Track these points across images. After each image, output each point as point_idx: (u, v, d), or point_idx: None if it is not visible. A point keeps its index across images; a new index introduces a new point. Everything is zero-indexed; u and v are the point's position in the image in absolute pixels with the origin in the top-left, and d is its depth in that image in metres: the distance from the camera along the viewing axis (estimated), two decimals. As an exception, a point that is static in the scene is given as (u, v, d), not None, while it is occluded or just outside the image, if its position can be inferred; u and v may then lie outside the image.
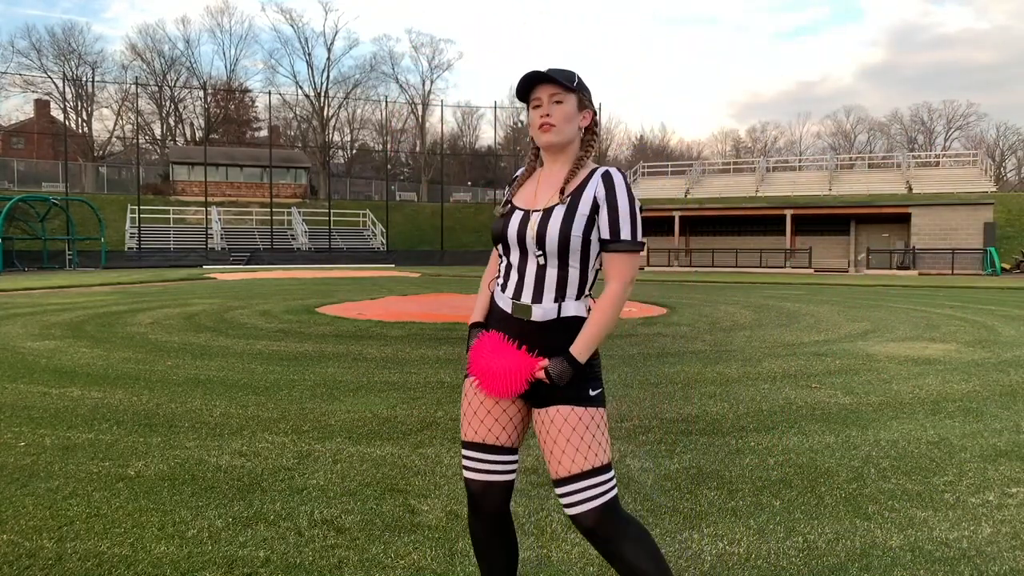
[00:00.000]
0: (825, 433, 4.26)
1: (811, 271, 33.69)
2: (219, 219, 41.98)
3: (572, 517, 1.78)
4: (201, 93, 56.55)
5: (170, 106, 62.35)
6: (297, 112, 64.06)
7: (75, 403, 4.97)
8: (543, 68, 1.84)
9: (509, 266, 1.85)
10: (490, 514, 1.88)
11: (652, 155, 70.85)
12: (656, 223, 40.49)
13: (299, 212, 44.21)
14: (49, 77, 54.73)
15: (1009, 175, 70.13)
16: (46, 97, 55.46)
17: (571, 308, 1.78)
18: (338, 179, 58.27)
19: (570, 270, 1.77)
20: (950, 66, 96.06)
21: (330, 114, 62.20)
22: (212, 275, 26.16)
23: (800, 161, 55.82)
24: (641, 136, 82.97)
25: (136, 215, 38.92)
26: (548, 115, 1.80)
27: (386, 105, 52.68)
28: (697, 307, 13.00)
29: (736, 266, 36.71)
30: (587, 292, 1.82)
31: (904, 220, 35.04)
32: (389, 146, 60.69)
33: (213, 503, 3.07)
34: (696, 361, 6.89)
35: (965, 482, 3.39)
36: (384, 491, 3.24)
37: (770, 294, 16.85)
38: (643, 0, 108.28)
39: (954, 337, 8.70)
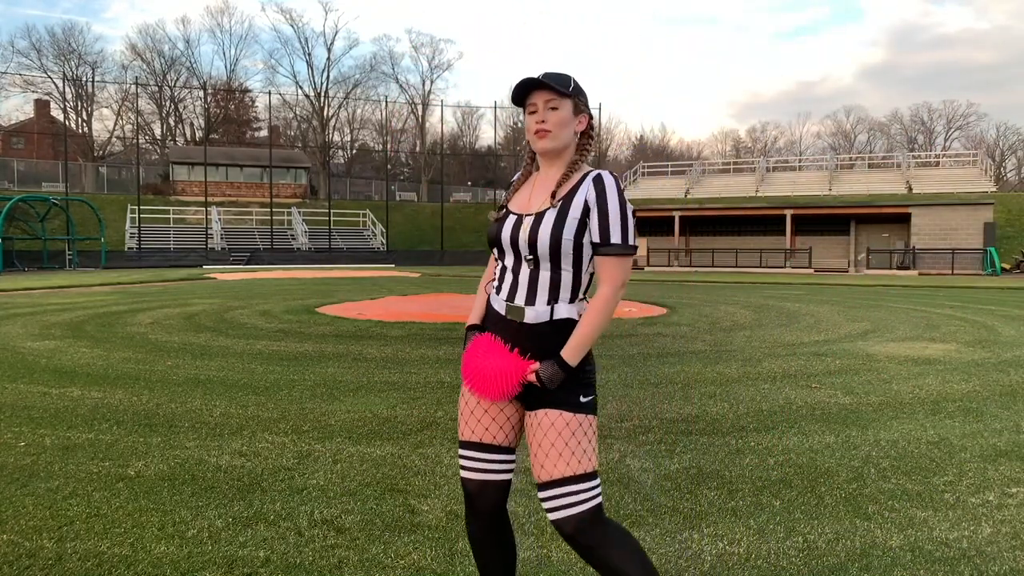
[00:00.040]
0: (825, 433, 4.26)
1: (811, 271, 33.70)
2: (219, 219, 41.98)
3: (553, 522, 1.77)
4: (201, 93, 56.59)
5: (170, 106, 62.37)
6: (297, 112, 64.14)
7: (75, 403, 4.97)
8: (539, 72, 1.84)
9: (504, 269, 1.87)
10: (487, 514, 1.88)
11: (652, 155, 70.86)
12: (656, 223, 40.52)
13: (299, 212, 44.21)
14: (49, 77, 54.80)
15: (1009, 175, 70.14)
16: (46, 97, 55.51)
17: (564, 311, 1.78)
18: (338, 179, 58.27)
19: (563, 273, 1.78)
20: (950, 66, 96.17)
21: (330, 114, 62.22)
22: (212, 275, 26.16)
23: (800, 161, 55.85)
24: (641, 136, 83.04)
25: (136, 215, 38.92)
26: (543, 121, 1.80)
27: (386, 105, 52.70)
28: (697, 307, 13.00)
29: (736, 266, 36.71)
30: (581, 296, 1.82)
31: (904, 220, 35.05)
32: (389, 146, 60.70)
33: (213, 503, 3.07)
34: (696, 361, 6.89)
35: (965, 482, 3.39)
36: (384, 491, 3.24)
37: (770, 294, 16.85)
38: (643, 0, 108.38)
39: (954, 337, 8.70)
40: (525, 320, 1.79)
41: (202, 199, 41.83)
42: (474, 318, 1.95)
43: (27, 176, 44.81)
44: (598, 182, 1.76)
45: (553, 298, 1.78)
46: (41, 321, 10.06)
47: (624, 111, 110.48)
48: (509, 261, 1.85)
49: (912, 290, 18.98)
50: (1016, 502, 3.13)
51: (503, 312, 1.83)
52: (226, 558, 2.54)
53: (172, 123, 63.70)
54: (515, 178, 1.97)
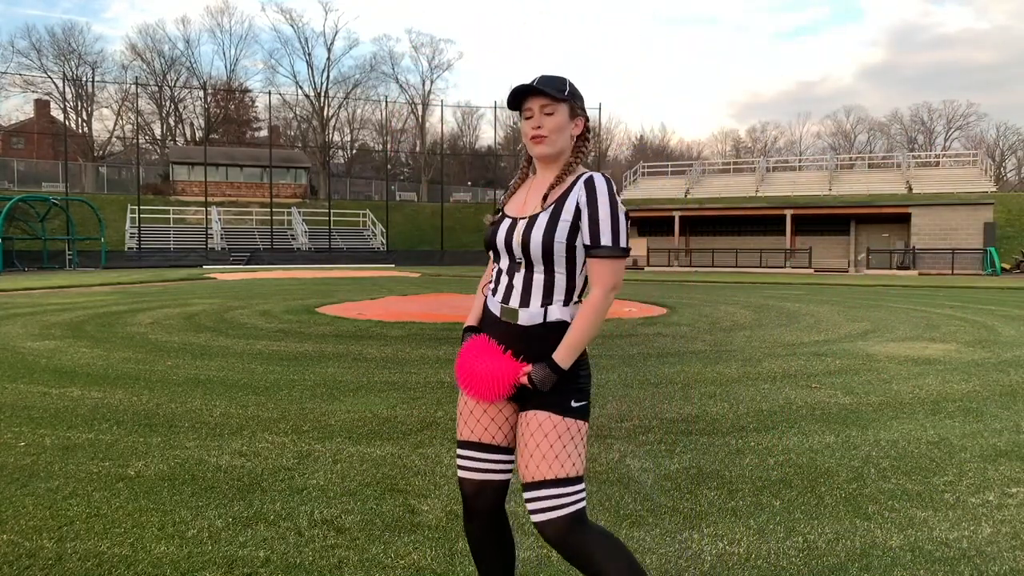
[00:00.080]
0: (825, 433, 4.26)
1: (811, 271, 33.70)
2: (219, 219, 41.98)
3: (534, 524, 1.77)
4: (201, 93, 56.58)
5: (170, 106, 62.37)
6: (297, 112, 64.13)
7: (75, 403, 4.97)
8: (536, 75, 1.85)
9: (500, 271, 1.88)
10: (485, 514, 1.89)
11: (652, 155, 70.88)
12: (656, 223, 40.53)
13: (299, 212, 44.21)
14: (49, 77, 54.79)
15: (1009, 175, 70.14)
16: (46, 97, 55.50)
17: (557, 313, 1.78)
18: (338, 179, 58.27)
19: (556, 276, 1.78)
20: (950, 66, 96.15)
21: (330, 114, 62.21)
22: (212, 275, 26.17)
23: (800, 161, 55.83)
24: (641, 136, 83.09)
25: (136, 215, 38.92)
26: (539, 127, 1.80)
27: (386, 105, 52.69)
28: (697, 307, 13.00)
29: (736, 266, 36.72)
30: (576, 298, 1.82)
31: (904, 220, 35.06)
32: (389, 146, 60.70)
33: (213, 503, 3.07)
34: (696, 361, 6.89)
35: (965, 482, 3.39)
36: (384, 491, 3.24)
37: (770, 294, 16.85)
38: (643, 0, 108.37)
39: (954, 337, 8.70)
40: (519, 322, 1.79)
41: (202, 199, 41.83)
42: (471, 319, 1.97)
43: (27, 176, 44.81)
44: (589, 184, 1.76)
45: (547, 300, 1.78)
46: (41, 321, 10.06)
47: (624, 111, 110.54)
48: (504, 264, 1.86)
49: (912, 290, 18.98)
50: (1016, 502, 3.13)
51: (498, 314, 1.84)
52: (226, 558, 2.54)
53: (172, 123, 63.73)
54: (513, 181, 1.98)
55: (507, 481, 1.90)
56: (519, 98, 1.82)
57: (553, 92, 1.78)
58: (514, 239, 1.79)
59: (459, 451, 1.92)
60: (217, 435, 4.16)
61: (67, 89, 55.60)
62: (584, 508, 1.76)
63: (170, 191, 46.74)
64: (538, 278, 1.79)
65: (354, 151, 67.83)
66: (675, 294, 17.06)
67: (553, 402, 1.76)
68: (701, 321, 10.52)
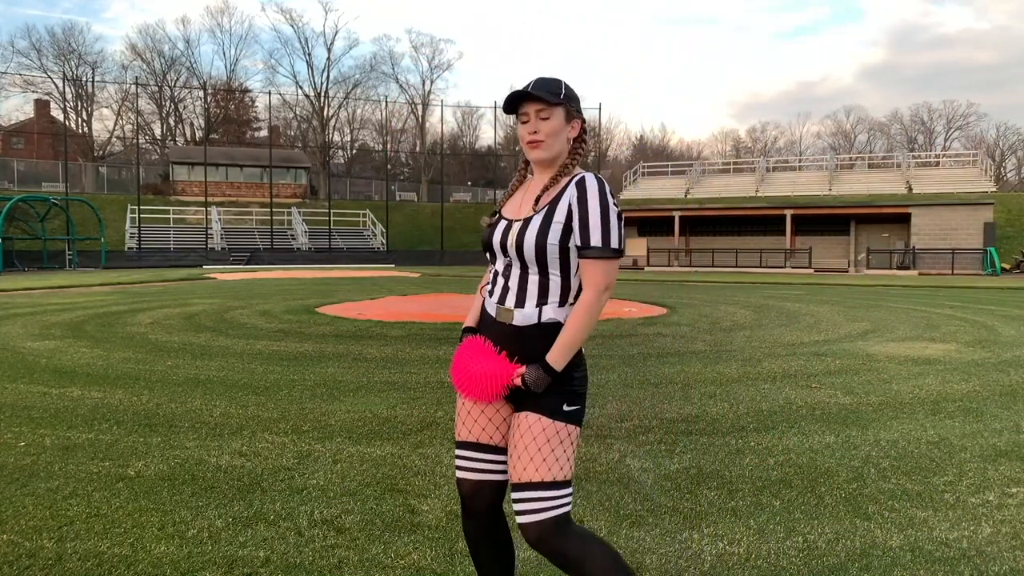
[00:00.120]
0: (825, 433, 4.26)
1: (811, 271, 33.70)
2: (219, 219, 41.98)
3: (518, 524, 1.77)
4: (201, 93, 56.59)
5: (170, 106, 62.37)
6: (297, 112, 64.13)
7: (75, 403, 4.97)
8: (531, 79, 1.85)
9: (496, 272, 1.89)
10: (483, 514, 1.89)
11: (652, 155, 70.87)
12: (656, 223, 40.53)
13: (299, 212, 44.21)
14: (49, 77, 54.79)
15: (1009, 175, 70.14)
16: (46, 97, 55.50)
17: (551, 313, 1.78)
18: (338, 179, 58.27)
19: (551, 277, 1.78)
20: (950, 66, 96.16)
21: (330, 114, 62.21)
22: (212, 275, 26.17)
23: (800, 161, 55.83)
24: (641, 136, 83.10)
25: (136, 215, 38.92)
26: (536, 132, 1.81)
27: (386, 105, 52.70)
28: (697, 307, 13.00)
29: (736, 266, 36.72)
30: (571, 300, 1.82)
31: (904, 220, 35.05)
32: (389, 146, 60.70)
33: (213, 503, 3.07)
34: (696, 361, 6.89)
35: (965, 482, 3.39)
36: (384, 491, 3.24)
37: (770, 294, 16.85)
38: (643, 0, 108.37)
39: (954, 337, 8.70)
40: (514, 323, 1.80)
41: (202, 199, 41.83)
42: (470, 320, 1.98)
43: (27, 176, 44.81)
44: (580, 185, 1.76)
45: (542, 301, 1.79)
46: (41, 321, 10.06)
47: (624, 111, 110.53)
48: (501, 265, 1.87)
49: (912, 290, 18.98)
50: (1016, 502, 3.13)
51: (494, 315, 1.85)
52: (226, 558, 2.54)
53: (172, 123, 63.73)
54: (511, 183, 1.99)
55: (505, 481, 1.90)
56: (515, 103, 1.83)
57: (548, 96, 1.78)
58: (509, 241, 1.80)
59: (457, 451, 1.93)
60: (217, 435, 4.16)
61: (67, 89, 55.67)
62: (568, 512, 1.77)
63: (170, 191, 46.74)
64: (533, 279, 1.79)
65: (354, 151, 67.84)
66: (675, 294, 17.06)
67: (545, 405, 1.75)
68: (701, 321, 10.52)
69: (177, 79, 61.96)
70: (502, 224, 1.86)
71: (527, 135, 1.82)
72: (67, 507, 3.01)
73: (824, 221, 37.72)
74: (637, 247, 40.75)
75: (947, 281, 24.47)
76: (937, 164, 47.85)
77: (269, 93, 50.59)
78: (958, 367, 6.54)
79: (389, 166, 57.40)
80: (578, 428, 1.80)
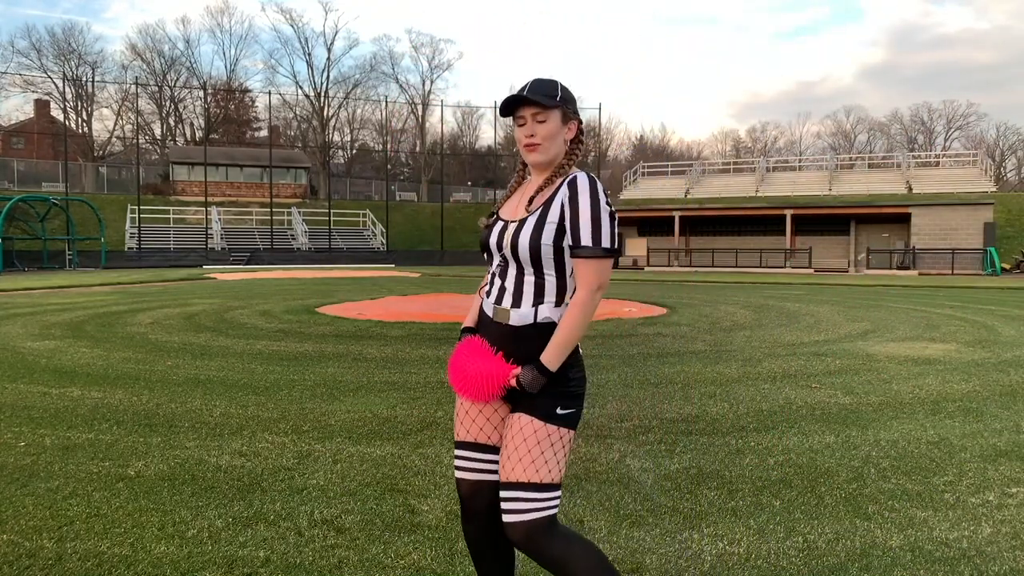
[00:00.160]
0: (825, 433, 4.26)
1: (811, 271, 33.70)
2: (219, 219, 41.99)
3: (504, 523, 1.78)
4: (201, 93, 56.59)
5: (170, 106, 62.37)
6: (297, 112, 64.13)
7: (75, 403, 4.97)
8: (528, 80, 1.86)
9: (493, 273, 1.90)
10: (482, 514, 1.89)
11: (652, 155, 70.87)
12: (656, 223, 40.53)
13: (299, 212, 44.22)
14: (49, 77, 54.79)
15: (1009, 175, 70.14)
16: (46, 97, 55.50)
17: (547, 313, 1.79)
18: (338, 179, 58.27)
19: (546, 278, 1.79)
20: (950, 66, 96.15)
21: (330, 114, 62.21)
22: (212, 275, 26.17)
23: (800, 161, 55.81)
24: (641, 136, 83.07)
25: (136, 215, 38.93)
26: (533, 135, 1.81)
27: (386, 105, 52.70)
28: (697, 307, 13.00)
29: (736, 266, 36.72)
30: (567, 300, 1.82)
31: (904, 220, 35.05)
32: (389, 146, 60.70)
33: (213, 503, 3.07)
34: (696, 361, 6.89)
35: (965, 482, 3.39)
36: (384, 491, 3.24)
37: (770, 294, 16.85)
38: (643, 0, 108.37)
39: (954, 337, 8.70)
40: (510, 323, 1.80)
41: (202, 199, 41.84)
42: (469, 320, 1.98)
43: (27, 176, 44.81)
44: (571, 185, 1.76)
45: (538, 301, 1.79)
46: (41, 321, 10.06)
47: (624, 111, 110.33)
48: (498, 266, 1.87)
49: (912, 290, 18.98)
50: (1016, 502, 3.13)
51: (491, 315, 1.86)
52: (226, 558, 2.54)
53: (172, 123, 63.73)
54: (509, 184, 2.00)
55: None
56: (511, 106, 1.83)
57: (544, 100, 1.79)
58: (504, 242, 1.80)
59: (456, 451, 1.93)
60: (217, 435, 4.16)
61: (67, 89, 55.67)
62: (554, 516, 1.76)
63: (170, 191, 46.75)
64: (529, 280, 1.80)
65: (354, 151, 67.84)
66: (675, 294, 17.06)
67: (539, 406, 1.75)
68: (701, 321, 10.52)
69: (177, 79, 62.01)
70: (499, 225, 1.87)
71: (524, 138, 1.83)
72: (67, 507, 3.01)
73: (824, 221, 37.72)
74: (637, 247, 40.76)
75: (947, 281, 24.47)
76: (937, 164, 47.84)
77: (269, 93, 50.65)
78: (958, 367, 6.54)
79: (389, 166, 57.40)
80: (572, 431, 1.79)
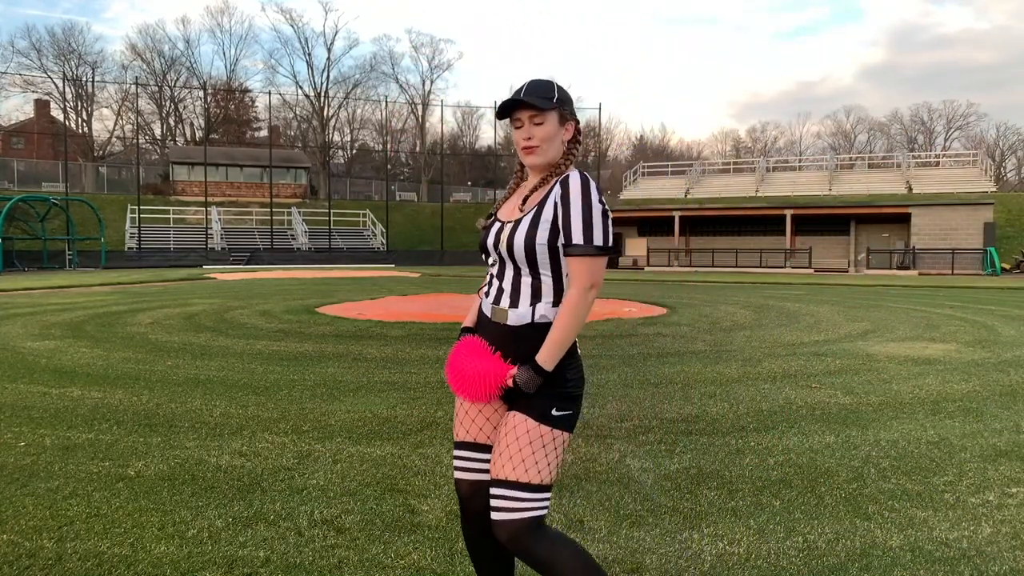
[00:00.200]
0: (825, 433, 4.26)
1: (811, 271, 33.70)
2: (219, 219, 41.98)
3: (491, 521, 1.78)
4: (201, 93, 56.59)
5: (170, 106, 62.37)
6: (297, 112, 64.13)
7: (75, 403, 4.97)
8: (525, 81, 1.86)
9: (492, 274, 1.90)
10: (481, 515, 1.89)
11: (652, 155, 70.86)
12: (656, 223, 40.52)
13: (299, 212, 44.22)
14: (49, 77, 54.80)
15: (1009, 175, 70.15)
16: (46, 97, 55.50)
17: (545, 313, 1.79)
18: (338, 179, 58.27)
19: (543, 278, 1.79)
20: (950, 66, 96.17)
21: (330, 114, 62.21)
22: (212, 275, 26.17)
23: (800, 161, 55.82)
24: (641, 136, 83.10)
25: (136, 215, 38.93)
26: (530, 138, 1.81)
27: (386, 105, 52.69)
28: (697, 307, 13.00)
29: (736, 266, 36.72)
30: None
31: (904, 220, 35.05)
32: (389, 146, 60.69)
33: (213, 503, 3.07)
34: (696, 361, 6.89)
35: (965, 482, 3.39)
36: (384, 491, 3.24)
37: (770, 294, 16.85)
38: (643, 0, 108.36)
39: (954, 337, 8.70)
40: (508, 322, 1.80)
41: (202, 199, 41.83)
42: (468, 321, 1.98)
43: (27, 176, 44.81)
44: (564, 183, 1.76)
45: (535, 301, 1.79)
46: (41, 321, 10.06)
47: (624, 111, 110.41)
48: (495, 266, 1.88)
49: (912, 290, 18.98)
50: (1016, 502, 3.13)
51: (489, 315, 1.86)
52: (226, 558, 2.54)
53: (172, 123, 63.73)
54: (508, 185, 2.00)
55: None
56: (508, 109, 1.83)
57: (540, 102, 1.78)
58: (501, 242, 1.81)
59: (455, 452, 1.93)
60: (217, 435, 4.16)
61: (67, 89, 55.66)
62: (542, 517, 1.76)
63: (170, 191, 46.74)
64: (526, 280, 1.80)
65: (354, 151, 67.84)
66: (675, 294, 17.06)
67: (534, 407, 1.75)
68: (701, 321, 10.52)
69: (177, 79, 62.01)
70: (496, 226, 1.87)
71: (522, 141, 1.83)
72: (67, 507, 3.01)
73: (824, 221, 37.72)
74: (637, 247, 40.77)
75: (947, 281, 24.47)
76: (937, 164, 47.84)
77: (269, 93, 50.65)
78: (958, 367, 6.54)
79: (389, 166, 57.39)
80: (566, 433, 1.78)
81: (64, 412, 4.70)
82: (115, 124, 58.64)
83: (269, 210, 42.74)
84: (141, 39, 73.79)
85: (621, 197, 46.83)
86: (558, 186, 1.77)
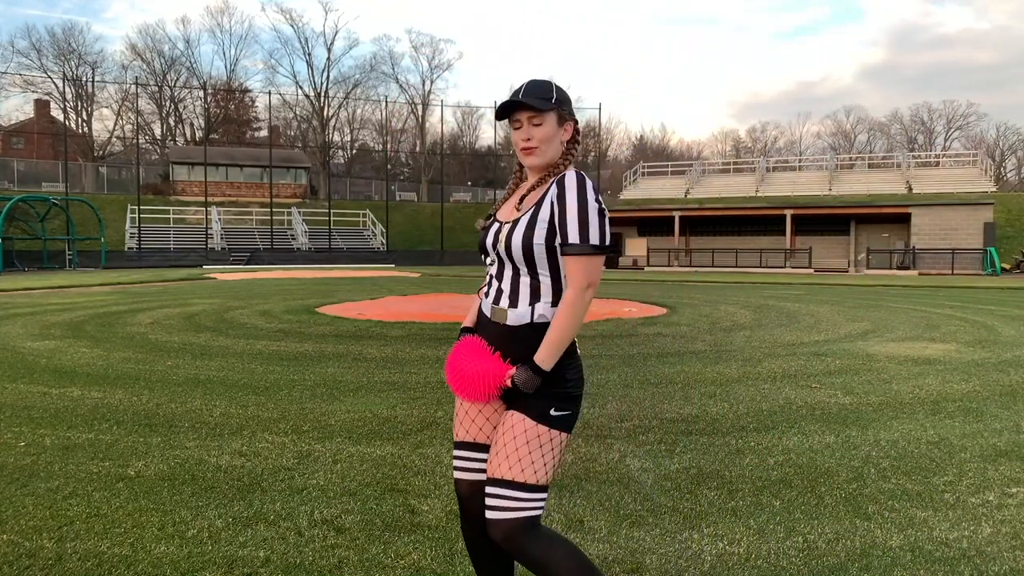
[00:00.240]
0: (825, 433, 4.26)
1: (811, 271, 33.70)
2: (219, 219, 41.98)
3: (486, 520, 1.77)
4: (201, 93, 56.60)
5: (170, 106, 62.37)
6: (297, 112, 64.13)
7: (75, 403, 4.97)
8: (524, 81, 1.85)
9: (491, 274, 1.90)
10: (480, 515, 1.88)
11: (652, 155, 70.86)
12: (656, 223, 40.53)
13: (299, 212, 44.22)
14: (49, 77, 54.79)
15: (1009, 175, 70.14)
16: (46, 97, 55.50)
17: (544, 313, 1.79)
18: (338, 179, 58.27)
19: (541, 278, 1.79)
20: (950, 66, 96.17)
21: (330, 114, 62.20)
22: (212, 275, 26.17)
23: (800, 161, 55.81)
24: (641, 136, 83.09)
25: (136, 215, 38.93)
26: (529, 139, 1.81)
27: (386, 105, 52.69)
28: (697, 307, 13.00)
29: (736, 266, 36.72)
30: None
31: (904, 220, 35.05)
32: (389, 146, 60.69)
33: (213, 503, 3.07)
34: (696, 361, 6.89)
35: (965, 482, 3.39)
36: (384, 491, 3.24)
37: (770, 294, 16.85)
38: (643, 0, 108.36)
39: (954, 337, 8.70)
40: (507, 322, 1.80)
41: (202, 199, 41.84)
42: (468, 321, 1.98)
43: (27, 176, 44.81)
44: (560, 183, 1.76)
45: (534, 301, 1.79)
46: (41, 321, 10.06)
47: (624, 111, 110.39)
48: (495, 266, 1.88)
49: (912, 290, 18.98)
50: (1016, 502, 3.13)
51: (489, 315, 1.86)
52: (226, 558, 2.54)
53: (172, 123, 63.73)
54: (508, 186, 2.00)
55: None
56: (507, 110, 1.83)
57: (539, 103, 1.78)
58: (499, 242, 1.81)
59: (455, 452, 1.93)
60: (217, 435, 4.16)
61: (67, 89, 55.67)
62: (536, 517, 1.75)
63: (170, 191, 46.74)
64: (525, 280, 1.80)
65: (354, 151, 67.84)
66: (675, 294, 17.06)
67: (533, 406, 1.75)
68: (701, 321, 10.52)
69: (177, 79, 62.00)
70: (494, 226, 1.87)
71: (521, 142, 1.83)
72: (67, 507, 3.01)
73: (824, 221, 37.72)
74: (637, 247, 40.76)
75: (947, 281, 24.47)
76: (937, 164, 47.85)
77: (269, 93, 50.65)
78: (958, 367, 6.54)
79: (389, 166, 57.40)
80: (564, 434, 1.78)
81: (64, 412, 4.70)
82: (115, 124, 58.73)
83: (269, 210, 42.74)
84: (141, 39, 73.87)
85: (621, 197, 46.83)
86: (555, 185, 1.77)
